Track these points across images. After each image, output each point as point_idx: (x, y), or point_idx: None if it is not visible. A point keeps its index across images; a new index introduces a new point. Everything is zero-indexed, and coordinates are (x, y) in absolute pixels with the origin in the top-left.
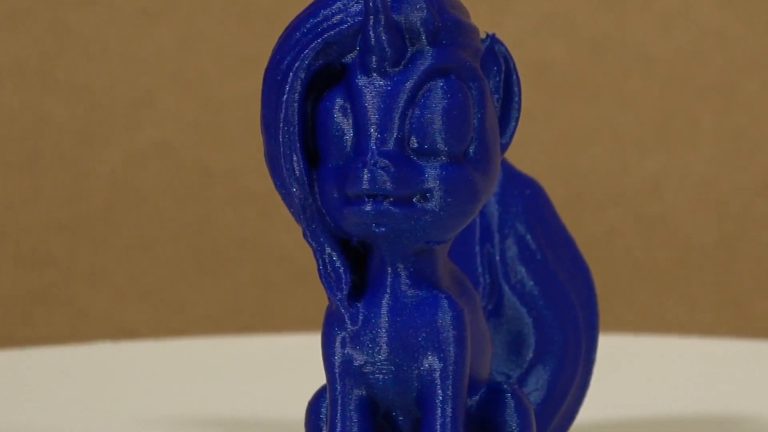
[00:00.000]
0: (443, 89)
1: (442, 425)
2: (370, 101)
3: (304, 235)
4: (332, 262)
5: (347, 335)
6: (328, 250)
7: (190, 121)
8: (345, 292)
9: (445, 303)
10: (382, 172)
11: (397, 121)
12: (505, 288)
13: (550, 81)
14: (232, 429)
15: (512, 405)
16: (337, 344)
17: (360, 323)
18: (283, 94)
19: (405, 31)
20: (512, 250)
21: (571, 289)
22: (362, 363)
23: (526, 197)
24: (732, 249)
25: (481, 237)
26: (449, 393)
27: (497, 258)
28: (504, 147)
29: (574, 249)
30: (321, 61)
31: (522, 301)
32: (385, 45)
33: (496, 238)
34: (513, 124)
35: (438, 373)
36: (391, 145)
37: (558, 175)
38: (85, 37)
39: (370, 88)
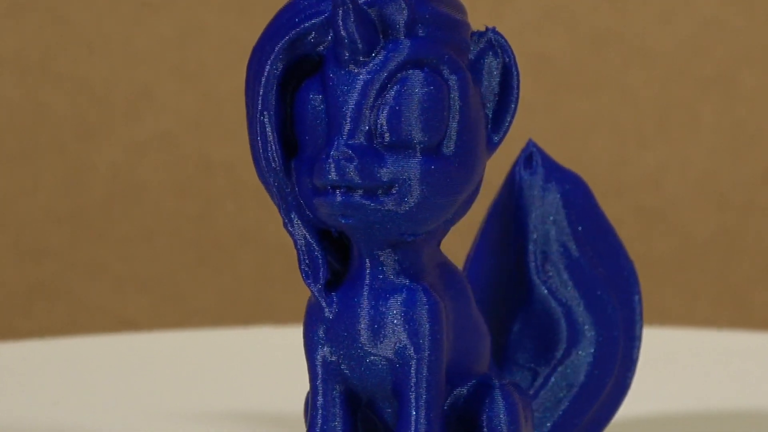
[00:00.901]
0: (414, 82)
1: (416, 420)
2: (341, 93)
3: (284, 225)
4: (310, 252)
5: (325, 326)
6: (306, 240)
7: (190, 113)
8: (322, 282)
9: (419, 296)
10: (346, 164)
11: (365, 112)
12: (537, 282)
13: (550, 73)
14: (233, 421)
15: (500, 400)
16: (315, 336)
17: (336, 314)
18: (260, 85)
19: (377, 22)
20: (548, 245)
21: (611, 286)
22: (340, 354)
23: (566, 192)
24: (732, 241)
25: (516, 231)
26: (423, 386)
27: (531, 251)
28: (497, 143)
29: (617, 246)
30: (298, 52)
31: (554, 297)
32: (355, 36)
33: (532, 232)
34: (508, 119)
35: (410, 366)
36: (359, 136)
37: None
38: (85, 29)
39: (341, 79)
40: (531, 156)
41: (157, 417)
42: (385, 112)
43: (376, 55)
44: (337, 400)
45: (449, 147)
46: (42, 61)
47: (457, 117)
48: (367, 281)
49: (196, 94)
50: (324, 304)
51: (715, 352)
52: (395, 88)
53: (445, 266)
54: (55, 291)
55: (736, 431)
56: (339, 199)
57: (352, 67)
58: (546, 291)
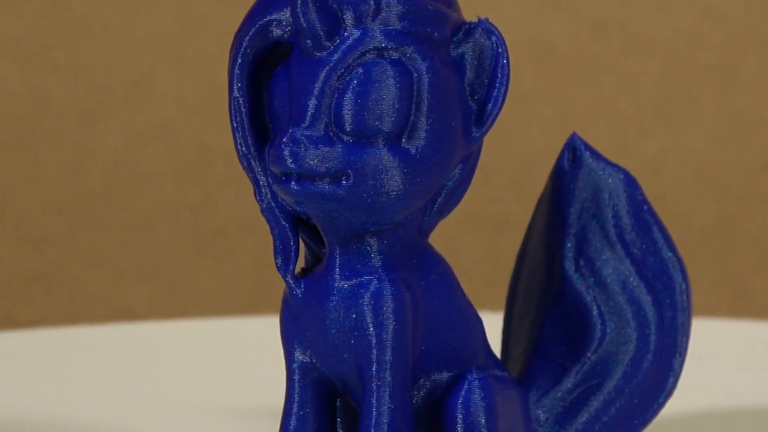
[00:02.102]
0: (371, 71)
1: (378, 411)
2: (301, 81)
3: (261, 211)
4: (284, 238)
5: (296, 315)
6: (280, 226)
7: (190, 101)
8: (291, 269)
9: (384, 286)
10: (296, 151)
11: (324, 100)
12: (571, 277)
13: (550, 61)
14: (233, 410)
15: (477, 393)
16: (287, 324)
17: (305, 303)
18: (233, 72)
19: (341, 10)
20: (585, 240)
21: (651, 283)
22: (310, 343)
23: (608, 186)
24: (732, 229)
25: (555, 225)
26: (384, 376)
27: (567, 246)
28: (479, 135)
29: (661, 242)
30: (268, 39)
31: (587, 293)
32: (315, 25)
33: (571, 226)
34: (494, 112)
35: (372, 357)
36: (316, 124)
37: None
38: (85, 18)
39: (303, 67)
40: (575, 149)
41: (156, 406)
42: (341, 100)
43: (336, 44)
44: (308, 387)
45: (412, 138)
46: (42, 50)
47: (423, 108)
48: (335, 271)
49: (196, 82)
50: (293, 292)
51: (715, 340)
52: (353, 76)
53: (425, 257)
54: (54, 279)
55: (735, 420)
56: (293, 186)
57: (313, 55)
58: (579, 286)
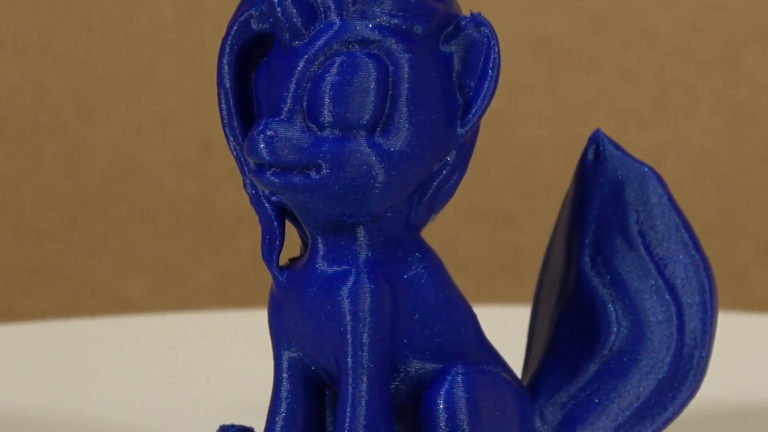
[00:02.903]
0: (343, 63)
1: (353, 404)
2: (278, 71)
3: (250, 201)
4: (269, 227)
5: (280, 306)
6: (267, 215)
7: (190, 94)
8: (275, 258)
9: (357, 280)
10: (267, 142)
11: (297, 92)
12: (586, 274)
13: (550, 54)
14: (233, 403)
15: (459, 387)
16: (272, 314)
17: (286, 294)
18: (220, 63)
19: (315, 2)
20: (603, 237)
21: (673, 285)
22: (291, 333)
23: (631, 184)
24: (732, 222)
25: (575, 221)
26: (359, 369)
27: (585, 243)
28: (464, 130)
29: (687, 243)
30: (254, 30)
31: (601, 291)
32: (291, 17)
33: (590, 223)
34: (480, 108)
35: (347, 349)
36: (290, 115)
37: (557, 148)
38: (85, 10)
39: (280, 58)
40: (598, 144)
41: (156, 398)
42: (314, 92)
43: (313, 35)
44: (295, 379)
45: (387, 131)
46: (42, 43)
47: (399, 102)
48: (315, 262)
49: (196, 75)
50: (277, 282)
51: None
52: (327, 68)
53: (412, 250)
54: (54, 272)
55: (736, 412)
56: (266, 176)
57: (291, 46)
58: (594, 284)
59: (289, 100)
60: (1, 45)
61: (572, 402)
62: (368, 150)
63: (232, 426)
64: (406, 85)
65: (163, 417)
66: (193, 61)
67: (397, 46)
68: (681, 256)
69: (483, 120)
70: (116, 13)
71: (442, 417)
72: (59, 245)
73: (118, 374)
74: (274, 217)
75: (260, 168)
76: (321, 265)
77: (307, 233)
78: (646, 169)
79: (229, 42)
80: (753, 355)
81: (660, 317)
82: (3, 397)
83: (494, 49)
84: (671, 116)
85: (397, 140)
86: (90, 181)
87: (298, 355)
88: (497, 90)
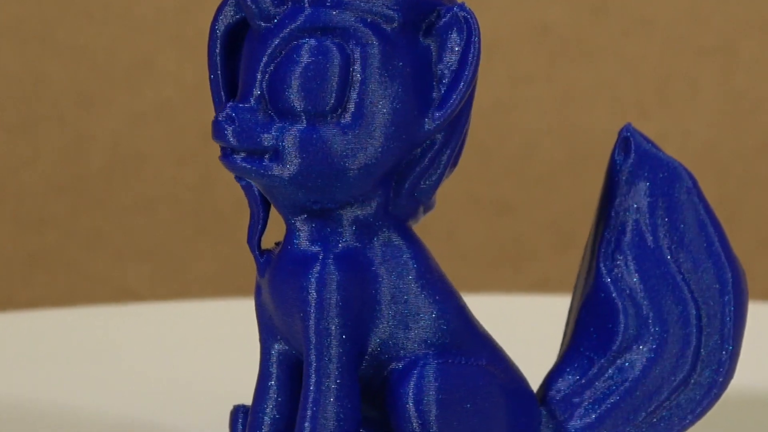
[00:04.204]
0: (303, 49)
1: (314, 398)
2: (247, 57)
3: (242, 188)
4: (254, 210)
5: (261, 290)
6: (253, 197)
7: (190, 83)
8: (255, 240)
9: (322, 267)
10: (227, 126)
11: (258, 77)
12: (603, 270)
13: (550, 42)
14: (233, 390)
15: (429, 377)
16: (255, 298)
17: (261, 275)
18: (209, 50)
19: None
20: (623, 233)
21: (692, 283)
22: (269, 317)
23: (656, 180)
24: (732, 211)
25: (600, 216)
26: (317, 353)
27: (606, 238)
28: (438, 121)
29: (711, 242)
30: (234, 18)
31: (616, 287)
32: (258, 3)
33: (613, 218)
34: (456, 99)
35: (309, 334)
36: (252, 100)
37: (557, 138)
38: None
39: (250, 44)
40: (627, 140)
41: (155, 386)
42: (274, 77)
43: (279, 21)
44: (279, 363)
45: (344, 118)
46: (42, 31)
47: (359, 91)
48: (287, 246)
49: (196, 64)
50: (257, 265)
51: None
52: (287, 54)
53: (391, 240)
54: (54, 261)
55: (736, 402)
56: (229, 160)
57: (259, 32)
58: (609, 280)
59: (253, 86)
60: (1, 33)
61: (586, 398)
62: (325, 137)
63: (243, 406)
64: (368, 74)
65: (163, 405)
66: (193, 50)
67: (361, 34)
68: (702, 256)
69: (482, 109)
70: (116, 2)
71: (410, 409)
72: (59, 234)
73: (117, 362)
74: (258, 201)
75: (224, 151)
76: (293, 249)
77: (282, 218)
78: (677, 165)
79: (214, 29)
80: (753, 343)
81: (676, 317)
82: (2, 385)
83: (474, 41)
84: (671, 105)
85: (356, 128)
86: (90, 169)
87: (281, 341)
88: (498, 79)
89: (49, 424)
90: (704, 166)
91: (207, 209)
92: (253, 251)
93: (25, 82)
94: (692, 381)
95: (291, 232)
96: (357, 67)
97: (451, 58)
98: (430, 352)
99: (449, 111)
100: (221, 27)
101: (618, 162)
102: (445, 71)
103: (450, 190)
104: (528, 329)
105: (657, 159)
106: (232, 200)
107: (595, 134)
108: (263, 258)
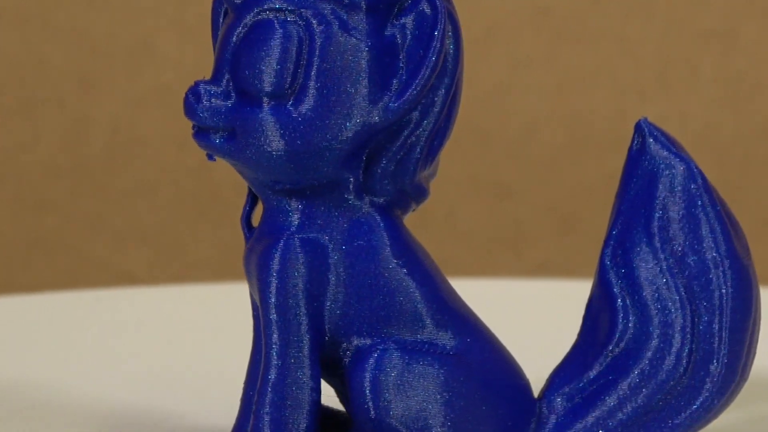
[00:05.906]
0: (260, 30)
1: (264, 374)
2: (221, 36)
3: None
4: (249, 189)
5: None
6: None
7: (190, 66)
8: (243, 221)
9: (271, 244)
10: (193, 104)
11: (225, 56)
12: (605, 267)
13: (549, 26)
14: (232, 375)
15: (386, 363)
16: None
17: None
18: (214, 24)
19: None
20: (628, 230)
21: (690, 285)
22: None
23: (664, 177)
24: (733, 195)
25: (613, 212)
26: (268, 333)
27: (612, 234)
28: (397, 106)
29: (711, 243)
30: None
31: (615, 284)
32: None
33: (620, 214)
34: (416, 85)
35: (265, 311)
36: (219, 79)
37: (557, 121)
38: None
39: (224, 25)
40: (642, 135)
41: (156, 370)
42: (234, 57)
43: (242, 3)
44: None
45: (297, 100)
46: (42, 14)
47: (312, 72)
48: (260, 225)
49: (196, 47)
50: (245, 240)
51: None
52: (245, 35)
53: (360, 223)
54: (55, 244)
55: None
56: (195, 136)
57: (232, 11)
58: (611, 277)
59: (219, 64)
60: (1, 16)
61: (580, 395)
62: (275, 118)
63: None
64: (319, 56)
65: (163, 389)
66: (194, 33)
67: (316, 16)
68: (698, 256)
69: (482, 92)
70: None
71: (365, 392)
72: (59, 218)
73: (117, 346)
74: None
75: (194, 129)
76: (261, 226)
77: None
78: (684, 163)
79: (214, 9)
80: None
81: (665, 317)
82: (3, 369)
83: (439, 27)
84: (671, 89)
85: (307, 110)
86: (90, 153)
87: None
88: (498, 62)
89: (50, 408)
90: (704, 149)
91: (207, 193)
92: (242, 227)
93: (25, 65)
94: (682, 386)
95: (266, 210)
96: (309, 49)
97: (415, 45)
98: (393, 334)
99: (409, 98)
100: (220, 8)
101: (632, 157)
102: (411, 56)
103: (450, 174)
104: (528, 313)
105: (667, 156)
106: (232, 184)
107: (596, 117)
108: (251, 234)
